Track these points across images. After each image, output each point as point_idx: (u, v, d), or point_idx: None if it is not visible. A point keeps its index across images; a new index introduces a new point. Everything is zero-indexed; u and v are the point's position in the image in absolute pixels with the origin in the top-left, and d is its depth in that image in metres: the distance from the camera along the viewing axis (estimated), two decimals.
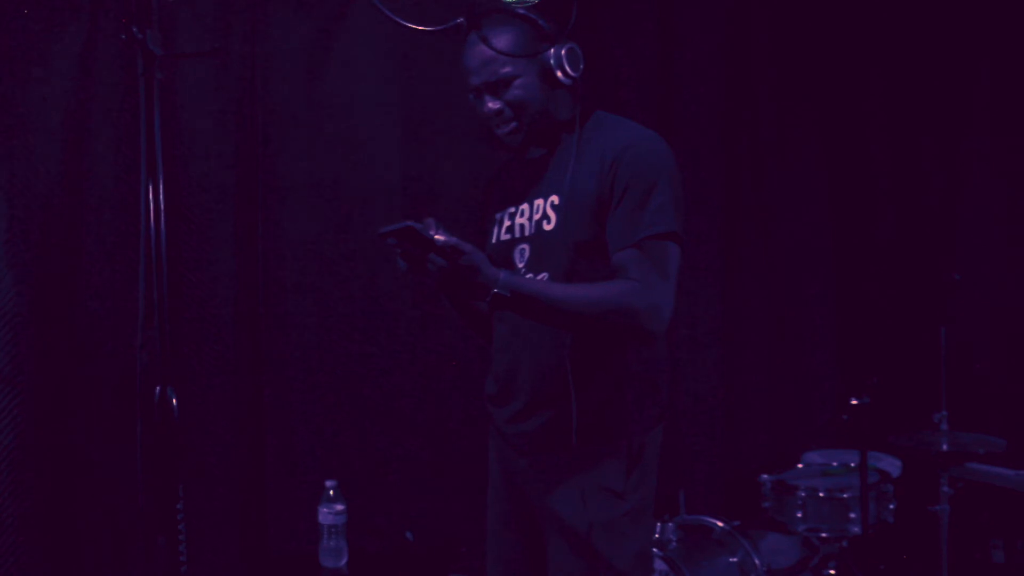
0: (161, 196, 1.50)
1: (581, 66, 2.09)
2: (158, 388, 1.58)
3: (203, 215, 3.01)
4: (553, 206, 2.05)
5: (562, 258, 2.01)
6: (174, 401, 1.58)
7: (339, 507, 2.67)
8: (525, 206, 2.13)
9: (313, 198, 3.20)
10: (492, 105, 2.06)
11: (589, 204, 2.00)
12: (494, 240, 2.18)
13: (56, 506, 2.78)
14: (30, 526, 2.72)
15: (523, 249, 2.10)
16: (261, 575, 3.11)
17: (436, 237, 1.76)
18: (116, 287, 2.85)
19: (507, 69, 2.02)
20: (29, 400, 2.72)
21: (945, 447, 3.22)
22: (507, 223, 2.16)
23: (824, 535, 3.27)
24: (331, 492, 2.67)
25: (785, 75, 4.17)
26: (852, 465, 3.45)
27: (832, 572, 3.32)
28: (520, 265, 2.09)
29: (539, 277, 2.04)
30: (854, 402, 3.01)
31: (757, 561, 3.17)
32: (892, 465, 3.58)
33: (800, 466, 3.60)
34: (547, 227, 2.06)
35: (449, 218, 3.29)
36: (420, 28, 1.80)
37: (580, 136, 2.07)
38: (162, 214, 1.54)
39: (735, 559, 3.17)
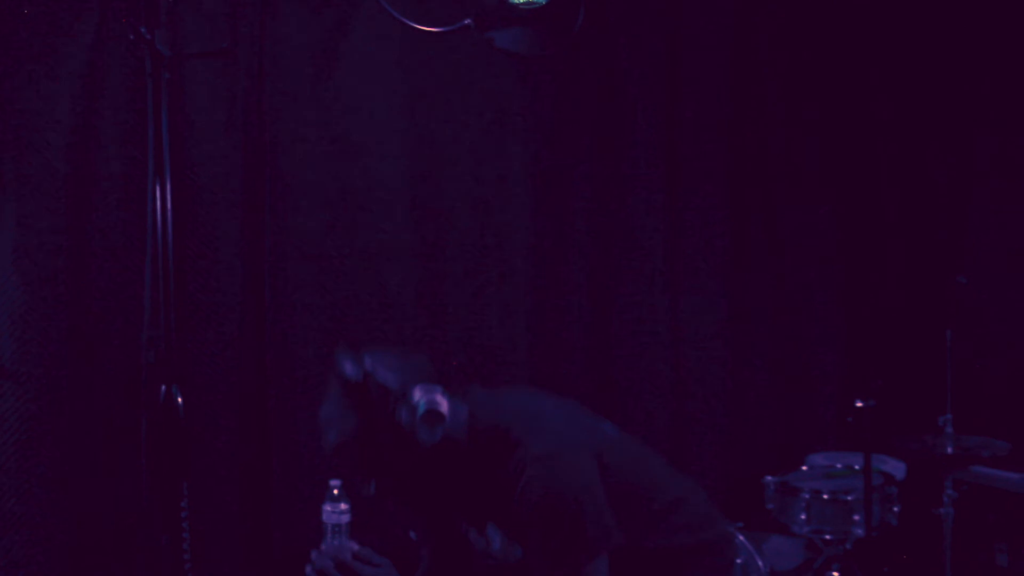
0: (168, 196, 1.50)
1: (440, 431, 1.97)
2: (163, 386, 1.58)
3: (209, 215, 3.02)
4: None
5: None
6: (179, 399, 1.58)
7: (343, 506, 2.66)
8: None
9: (319, 199, 3.21)
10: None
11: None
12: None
13: (59, 504, 2.79)
14: (33, 523, 2.73)
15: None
16: (265, 574, 3.11)
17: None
18: (122, 286, 2.86)
19: None
20: (34, 396, 2.73)
21: (950, 450, 3.21)
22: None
23: (828, 537, 3.26)
24: (335, 491, 2.66)
25: (792, 78, 4.17)
26: (856, 467, 3.44)
27: (835, 574, 3.32)
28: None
29: None
30: (859, 404, 3.00)
31: (760, 563, 3.15)
32: (896, 468, 3.57)
33: (804, 468, 3.60)
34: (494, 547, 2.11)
35: (453, 221, 3.36)
36: (428, 29, 1.80)
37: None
38: (169, 214, 1.54)
39: (738, 560, 3.16)
